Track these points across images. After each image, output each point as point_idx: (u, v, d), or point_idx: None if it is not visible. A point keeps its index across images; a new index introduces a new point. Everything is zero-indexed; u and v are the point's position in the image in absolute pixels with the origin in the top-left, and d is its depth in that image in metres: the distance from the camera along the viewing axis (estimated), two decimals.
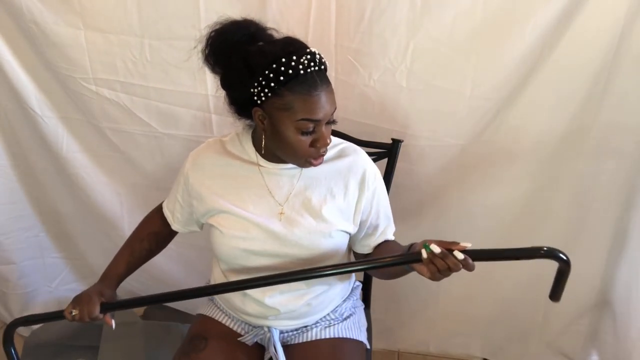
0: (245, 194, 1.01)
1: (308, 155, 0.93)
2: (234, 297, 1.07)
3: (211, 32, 0.93)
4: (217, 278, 1.12)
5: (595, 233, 1.43)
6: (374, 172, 1.04)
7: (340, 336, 1.11)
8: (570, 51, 1.21)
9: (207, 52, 0.94)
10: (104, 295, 1.01)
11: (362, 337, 1.15)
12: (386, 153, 1.26)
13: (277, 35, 0.94)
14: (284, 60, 0.84)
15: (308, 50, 0.87)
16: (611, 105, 1.26)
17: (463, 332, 1.68)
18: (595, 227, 1.42)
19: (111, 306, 0.99)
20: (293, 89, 0.86)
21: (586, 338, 1.58)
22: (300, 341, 1.11)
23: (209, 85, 1.35)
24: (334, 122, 0.92)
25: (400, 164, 1.28)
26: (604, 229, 1.42)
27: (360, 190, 1.02)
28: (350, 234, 1.05)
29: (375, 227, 1.06)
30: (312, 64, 0.86)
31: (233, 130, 1.05)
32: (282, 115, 0.88)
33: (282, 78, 0.85)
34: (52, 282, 1.79)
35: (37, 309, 1.78)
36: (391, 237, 1.09)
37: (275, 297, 1.04)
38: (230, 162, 1.02)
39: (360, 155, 1.04)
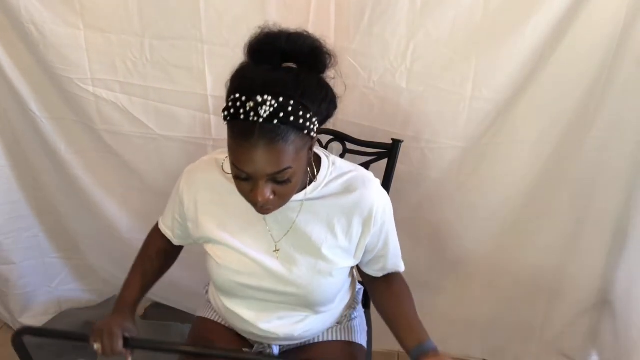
0: (241, 225, 0.96)
1: (249, 201, 0.85)
2: (233, 318, 1.05)
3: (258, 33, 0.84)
4: (215, 297, 1.10)
5: (595, 233, 1.43)
6: (382, 206, 0.95)
7: (338, 339, 1.11)
8: (570, 52, 1.21)
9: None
10: (126, 329, 0.93)
11: (362, 340, 1.15)
12: (386, 153, 1.26)
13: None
14: (232, 96, 0.78)
15: (259, 98, 0.75)
16: (611, 106, 1.27)
17: (462, 333, 1.68)
18: (596, 228, 1.42)
19: (136, 344, 0.93)
20: (232, 128, 0.79)
21: (586, 338, 1.58)
22: (300, 345, 1.11)
23: (209, 85, 1.35)
24: (285, 181, 0.81)
25: (400, 166, 1.28)
26: (604, 229, 1.42)
27: (365, 227, 0.94)
28: (351, 266, 1.01)
29: (383, 257, 1.01)
30: (252, 113, 0.75)
31: None
32: (228, 147, 0.82)
33: (226, 113, 0.79)
34: (52, 282, 1.79)
35: (37, 309, 1.78)
36: (402, 269, 1.04)
37: (273, 322, 1.02)
38: (227, 187, 0.93)
39: (369, 189, 0.94)
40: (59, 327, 1.71)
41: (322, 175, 0.94)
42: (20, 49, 1.34)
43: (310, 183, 0.93)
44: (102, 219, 1.60)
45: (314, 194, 0.93)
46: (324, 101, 0.82)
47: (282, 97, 0.76)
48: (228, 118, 0.78)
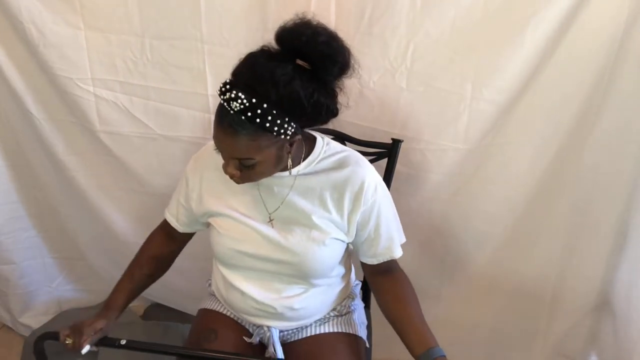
0: (240, 199, 1.02)
1: (223, 170, 0.93)
2: (233, 295, 1.08)
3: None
4: (217, 278, 1.13)
5: (596, 236, 1.42)
6: (374, 184, 0.98)
7: (339, 331, 1.11)
8: (571, 52, 1.21)
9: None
10: (97, 328, 0.98)
11: (362, 333, 1.15)
12: (386, 153, 1.26)
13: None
14: (226, 79, 0.86)
15: (234, 92, 0.82)
16: (613, 107, 1.26)
17: (464, 338, 1.66)
18: (596, 230, 1.42)
19: (106, 343, 1.00)
20: (217, 108, 0.88)
21: (586, 339, 1.57)
22: (299, 337, 1.11)
23: (209, 85, 1.35)
24: (250, 166, 0.89)
25: (399, 167, 1.28)
26: (604, 231, 1.42)
27: (355, 202, 0.97)
28: (345, 242, 1.03)
29: (376, 239, 1.02)
30: (226, 104, 0.84)
31: None
32: None
33: (217, 92, 0.86)
34: (53, 282, 1.79)
35: (38, 309, 1.78)
36: (397, 256, 1.04)
37: (270, 294, 1.05)
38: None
39: (361, 166, 0.99)
40: (59, 327, 1.70)
41: (315, 153, 0.99)
42: (20, 49, 1.34)
43: (304, 159, 0.98)
44: (102, 220, 1.60)
45: (307, 170, 0.99)
46: (314, 109, 0.85)
47: (255, 99, 0.81)
48: (218, 94, 0.86)
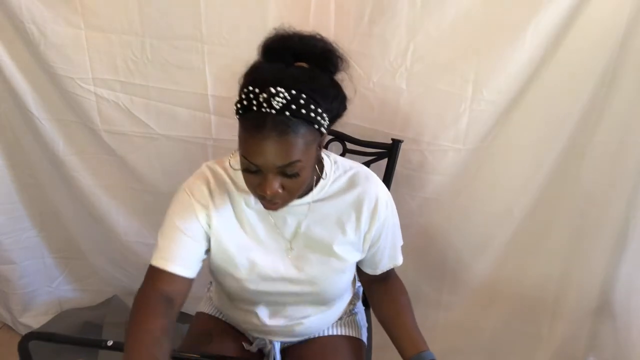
0: (250, 231, 0.96)
1: (257, 196, 0.86)
2: (240, 316, 1.06)
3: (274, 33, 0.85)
4: (221, 296, 1.11)
5: (597, 237, 1.42)
6: (385, 200, 0.97)
7: (342, 334, 1.11)
8: (572, 53, 1.20)
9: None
10: None
11: (363, 336, 1.15)
12: (386, 153, 1.26)
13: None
14: (245, 89, 0.79)
15: (272, 89, 0.76)
16: (614, 108, 1.26)
17: (466, 343, 1.65)
18: (598, 231, 1.41)
19: (93, 344, 0.99)
20: (244, 121, 0.80)
21: (587, 342, 1.56)
22: (302, 341, 1.11)
23: (209, 85, 1.35)
24: (294, 175, 0.81)
25: (399, 168, 1.27)
26: (605, 232, 1.41)
27: (371, 220, 0.96)
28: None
29: (383, 252, 1.02)
30: (265, 104, 0.76)
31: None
32: (238, 141, 0.82)
33: (239, 106, 0.79)
34: (53, 282, 1.79)
35: (38, 309, 1.78)
36: (399, 263, 1.05)
37: (280, 319, 1.03)
38: (232, 195, 0.94)
39: (372, 183, 0.97)
40: (59, 327, 1.71)
41: (326, 176, 0.95)
42: (21, 49, 1.35)
43: (316, 184, 0.94)
44: (102, 220, 1.60)
45: (321, 195, 0.95)
46: (335, 99, 0.83)
47: (294, 90, 0.77)
48: (240, 111, 0.79)
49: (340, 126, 1.29)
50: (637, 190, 1.33)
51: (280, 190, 0.82)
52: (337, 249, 0.95)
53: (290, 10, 1.25)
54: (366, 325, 1.21)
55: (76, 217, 1.65)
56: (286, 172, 0.81)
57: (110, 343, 0.95)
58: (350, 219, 0.95)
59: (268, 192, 0.81)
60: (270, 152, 0.78)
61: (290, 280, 0.97)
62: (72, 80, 1.37)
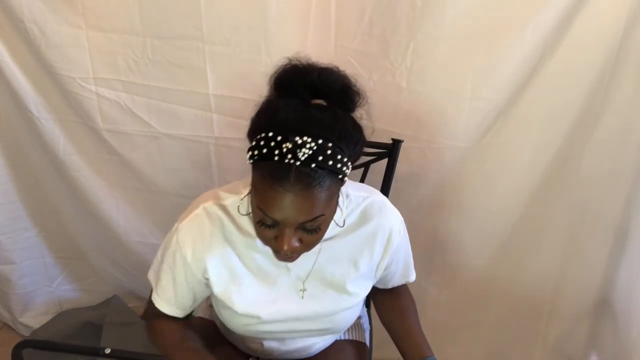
0: (261, 275, 0.89)
1: (271, 248, 0.79)
2: (237, 337, 1.04)
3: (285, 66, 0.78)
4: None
5: (596, 235, 1.43)
6: (399, 228, 0.93)
7: (346, 338, 1.11)
8: (571, 52, 1.21)
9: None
10: None
11: (366, 339, 1.15)
12: (386, 153, 1.26)
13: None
14: (264, 134, 0.71)
15: (297, 139, 0.68)
16: (613, 107, 1.27)
17: (464, 338, 1.66)
18: (596, 229, 1.42)
19: (90, 352, 0.98)
20: (261, 171, 0.71)
21: (586, 339, 1.57)
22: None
23: (210, 84, 1.35)
24: (315, 230, 0.75)
25: (399, 167, 1.28)
26: (605, 231, 1.42)
27: (385, 250, 0.92)
28: None
29: (396, 272, 1.00)
30: (289, 155, 0.68)
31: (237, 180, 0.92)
32: (252, 189, 0.75)
33: (256, 152, 0.71)
34: (53, 282, 1.79)
35: (38, 309, 1.78)
36: (412, 280, 1.03)
37: (284, 348, 1.01)
38: (235, 236, 0.87)
39: (385, 214, 0.91)
40: (59, 327, 1.71)
41: (337, 215, 0.85)
42: (22, 49, 1.35)
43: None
44: (103, 219, 1.60)
45: (333, 233, 0.88)
46: (358, 143, 0.76)
47: (321, 139, 0.69)
48: (257, 158, 0.71)
49: None
50: (636, 189, 1.34)
51: (297, 245, 0.76)
52: (350, 286, 0.91)
53: (290, 10, 1.26)
54: (369, 328, 1.20)
55: (76, 217, 1.65)
56: (307, 227, 0.74)
57: (107, 351, 0.94)
58: (363, 254, 0.90)
59: (285, 248, 0.74)
60: (293, 208, 0.70)
61: (301, 319, 0.93)
62: (73, 80, 1.37)
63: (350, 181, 0.90)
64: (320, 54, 1.29)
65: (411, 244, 1.48)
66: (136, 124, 1.43)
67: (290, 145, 0.68)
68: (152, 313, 0.94)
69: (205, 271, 0.86)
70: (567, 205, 1.41)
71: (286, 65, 0.77)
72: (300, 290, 0.91)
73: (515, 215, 1.43)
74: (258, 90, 1.39)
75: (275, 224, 0.74)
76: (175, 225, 0.87)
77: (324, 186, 0.70)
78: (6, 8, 1.29)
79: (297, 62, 0.76)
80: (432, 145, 1.35)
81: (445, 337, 1.65)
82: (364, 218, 0.89)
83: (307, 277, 0.90)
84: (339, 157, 0.71)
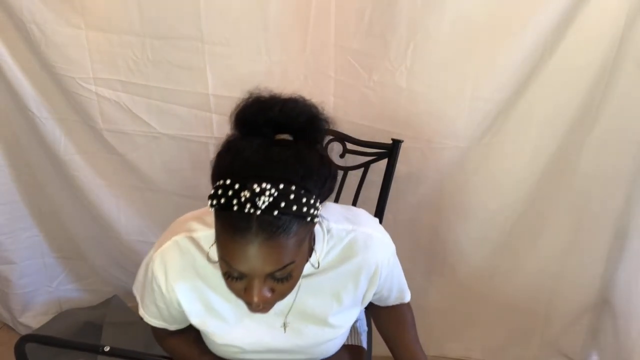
0: (237, 307, 0.83)
1: (242, 300, 0.73)
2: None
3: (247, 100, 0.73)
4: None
5: (595, 233, 1.43)
6: (387, 261, 0.87)
7: (345, 342, 1.10)
8: (571, 52, 1.22)
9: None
10: None
11: (364, 342, 1.14)
12: (386, 153, 1.26)
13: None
14: (222, 182, 0.66)
15: (255, 186, 0.63)
16: (612, 107, 1.27)
17: (463, 334, 1.67)
18: (596, 228, 1.43)
19: (89, 349, 0.99)
20: (222, 221, 0.67)
21: (586, 338, 1.58)
22: None
23: (210, 84, 1.35)
24: (286, 278, 0.70)
25: (399, 166, 1.28)
26: (604, 229, 1.43)
27: (370, 283, 0.87)
28: None
29: (389, 296, 0.97)
30: (248, 204, 0.63)
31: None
32: (216, 239, 0.70)
33: (214, 202, 0.66)
34: (53, 282, 1.79)
35: (38, 308, 1.78)
36: (407, 300, 1.00)
37: None
38: (211, 277, 0.82)
39: (370, 250, 0.84)
40: (59, 327, 1.71)
41: (318, 252, 0.81)
42: (22, 49, 1.35)
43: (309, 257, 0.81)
44: (103, 219, 1.60)
45: (311, 270, 0.83)
46: (327, 179, 0.71)
47: (282, 184, 0.65)
48: (217, 208, 0.66)
49: (341, 124, 1.31)
50: (636, 188, 1.34)
51: (269, 295, 0.71)
52: (332, 319, 0.87)
53: (290, 10, 1.26)
54: (366, 330, 1.19)
55: (76, 216, 1.65)
56: (276, 276, 0.69)
57: (107, 349, 0.94)
58: (347, 288, 0.86)
59: (256, 300, 0.69)
60: (258, 258, 0.65)
61: (284, 352, 0.91)
62: (73, 80, 1.37)
63: (333, 207, 0.87)
64: (320, 54, 1.30)
65: (411, 243, 1.50)
66: (136, 124, 1.43)
67: (248, 194, 0.63)
68: (158, 335, 0.96)
69: (178, 303, 0.83)
70: (566, 204, 1.41)
71: (248, 99, 0.72)
72: (281, 325, 0.87)
73: (514, 215, 1.44)
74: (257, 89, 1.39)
75: (242, 276, 0.69)
76: (151, 253, 0.85)
77: (290, 232, 0.65)
78: (6, 8, 1.29)
79: (260, 96, 0.72)
80: (432, 145, 1.35)
81: (445, 334, 1.66)
82: (348, 254, 0.83)
83: (288, 312, 0.86)
84: (304, 199, 0.66)
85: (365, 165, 1.27)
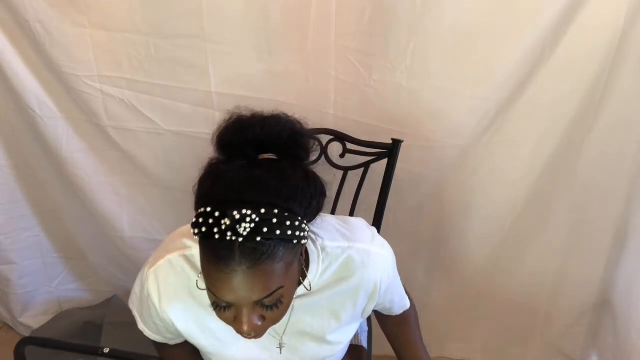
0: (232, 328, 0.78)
1: (233, 328, 0.70)
2: None
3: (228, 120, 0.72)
4: None
5: (595, 234, 1.43)
6: (386, 275, 0.85)
7: None
8: (570, 51, 1.22)
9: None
10: None
11: (364, 342, 1.14)
12: (386, 153, 1.26)
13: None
14: (203, 210, 0.63)
15: (236, 214, 0.61)
16: (612, 106, 1.28)
17: (463, 335, 1.67)
18: (596, 228, 1.43)
19: (89, 351, 0.99)
20: (205, 250, 0.65)
21: (586, 338, 1.58)
22: None
23: (212, 82, 1.36)
24: (275, 305, 0.67)
25: (400, 166, 1.28)
26: (604, 229, 1.43)
27: (370, 299, 0.85)
28: None
29: (391, 307, 0.96)
30: (229, 232, 0.61)
31: None
32: (201, 268, 0.67)
33: (196, 231, 0.64)
34: (53, 282, 1.78)
35: (38, 309, 1.78)
36: (408, 307, 0.99)
37: None
38: (204, 297, 0.76)
39: (369, 267, 0.81)
40: (59, 327, 1.70)
41: (313, 269, 0.79)
42: (27, 48, 1.36)
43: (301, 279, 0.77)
44: (104, 218, 1.60)
45: (305, 290, 0.79)
46: (314, 197, 0.69)
47: (264, 208, 0.62)
48: (200, 237, 0.64)
49: (340, 123, 1.32)
50: (636, 187, 1.34)
51: (259, 323, 0.68)
52: (330, 337, 0.85)
53: (291, 9, 1.27)
54: (366, 330, 1.19)
55: (77, 216, 1.65)
56: (265, 303, 0.66)
57: (106, 350, 0.94)
58: (345, 306, 0.83)
59: (246, 329, 0.67)
60: (244, 287, 0.63)
61: None
62: (78, 78, 1.38)
63: (328, 220, 0.84)
64: (321, 52, 1.30)
65: (412, 242, 1.50)
66: (140, 121, 1.44)
67: (229, 222, 0.61)
68: (158, 346, 0.94)
69: (172, 322, 0.82)
70: (566, 203, 1.41)
71: (229, 120, 0.70)
72: (278, 347, 0.86)
73: (515, 213, 1.44)
74: (258, 88, 1.40)
75: (230, 306, 0.67)
76: (145, 269, 0.83)
77: (276, 258, 0.63)
78: (11, 7, 1.30)
79: (241, 115, 0.70)
80: (432, 144, 1.36)
81: (446, 333, 1.65)
82: (345, 273, 0.81)
83: (283, 332, 0.84)
84: (288, 222, 0.63)
85: (366, 165, 1.28)
